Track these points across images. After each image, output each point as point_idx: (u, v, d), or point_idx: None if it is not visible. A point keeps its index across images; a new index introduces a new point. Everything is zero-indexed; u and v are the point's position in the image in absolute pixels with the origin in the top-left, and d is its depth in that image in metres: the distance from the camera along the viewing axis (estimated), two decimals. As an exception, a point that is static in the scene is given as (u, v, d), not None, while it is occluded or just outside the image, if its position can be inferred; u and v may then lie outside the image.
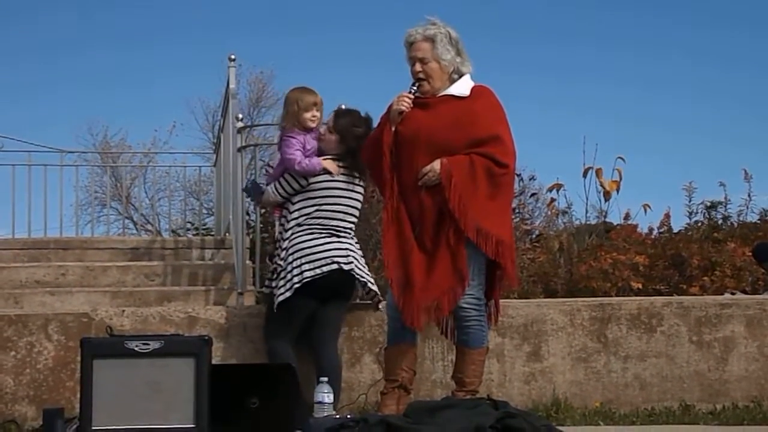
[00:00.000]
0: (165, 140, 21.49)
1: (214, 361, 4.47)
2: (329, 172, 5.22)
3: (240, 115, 7.09)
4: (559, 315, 5.81)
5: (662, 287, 7.44)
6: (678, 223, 9.07)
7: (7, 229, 9.42)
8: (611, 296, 6.84)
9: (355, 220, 5.34)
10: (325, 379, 4.94)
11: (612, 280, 7.24)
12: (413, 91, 5.00)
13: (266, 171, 5.62)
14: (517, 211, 8.87)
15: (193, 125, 27.30)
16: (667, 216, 8.93)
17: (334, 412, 4.81)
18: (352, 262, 5.20)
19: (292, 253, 5.14)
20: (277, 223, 5.44)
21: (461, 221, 4.79)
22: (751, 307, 5.91)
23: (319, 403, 4.86)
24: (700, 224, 8.82)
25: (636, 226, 9.03)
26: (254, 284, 6.69)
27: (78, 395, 4.12)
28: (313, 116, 5.28)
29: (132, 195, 20.87)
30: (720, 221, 8.98)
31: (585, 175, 8.22)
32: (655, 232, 8.95)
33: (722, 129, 30.03)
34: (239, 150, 6.82)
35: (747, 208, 8.93)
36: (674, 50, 30.16)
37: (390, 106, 5.01)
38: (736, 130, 29.67)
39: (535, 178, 11.38)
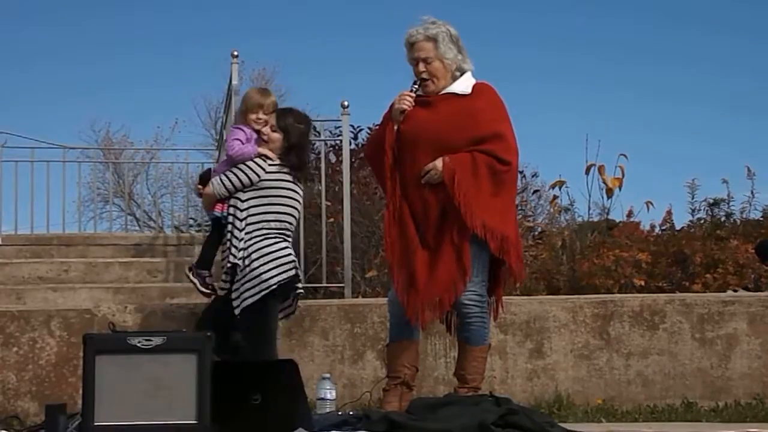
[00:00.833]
0: (167, 137, 21.54)
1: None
2: (266, 158, 5.12)
3: (242, 112, 7.09)
4: (561, 312, 5.81)
5: (665, 284, 7.43)
6: (681, 221, 9.05)
7: (9, 225, 9.40)
8: (614, 293, 6.83)
9: (294, 221, 5.27)
10: (328, 375, 4.95)
11: (614, 277, 7.22)
12: (414, 89, 4.98)
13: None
14: (519, 208, 8.86)
15: (196, 122, 27.38)
16: (670, 213, 8.92)
17: (336, 409, 4.82)
18: (297, 268, 5.22)
19: (257, 258, 5.03)
20: (228, 221, 5.15)
21: (467, 217, 4.78)
22: (754, 304, 5.90)
23: (322, 399, 4.87)
24: (702, 221, 8.79)
25: (639, 223, 9.03)
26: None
27: (80, 391, 4.12)
28: (258, 118, 5.20)
29: (134, 191, 20.94)
30: (723, 218, 8.94)
31: (588, 172, 8.22)
32: (657, 229, 8.93)
33: (724, 130, 30.07)
34: (242, 146, 6.81)
35: (750, 205, 8.88)
36: (674, 53, 30.29)
37: (392, 105, 5.00)
38: (738, 132, 29.74)
39: (537, 175, 11.41)
